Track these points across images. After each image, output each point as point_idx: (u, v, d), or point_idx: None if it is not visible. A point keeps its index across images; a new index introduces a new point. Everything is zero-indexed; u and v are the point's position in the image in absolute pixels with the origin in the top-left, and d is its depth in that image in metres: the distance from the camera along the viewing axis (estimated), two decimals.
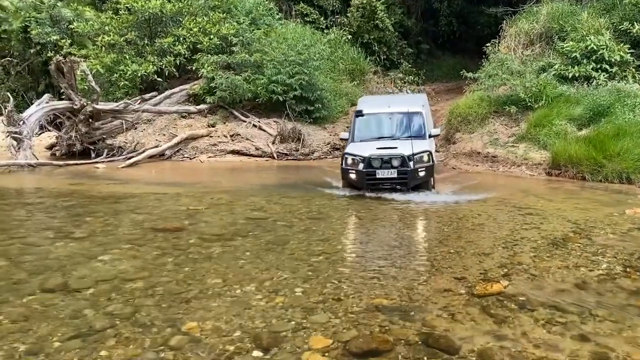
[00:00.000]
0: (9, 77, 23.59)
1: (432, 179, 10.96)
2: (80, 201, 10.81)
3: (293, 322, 5.02)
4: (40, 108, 15.96)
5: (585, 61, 15.22)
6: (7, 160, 14.63)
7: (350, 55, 21.47)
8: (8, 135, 15.10)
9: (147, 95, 18.03)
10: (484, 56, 17.23)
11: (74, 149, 16.20)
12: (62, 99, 16.79)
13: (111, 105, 16.90)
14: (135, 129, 17.28)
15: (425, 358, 4.31)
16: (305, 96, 17.14)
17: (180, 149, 16.41)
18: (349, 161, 10.95)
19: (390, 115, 12.07)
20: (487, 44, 17.54)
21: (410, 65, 23.54)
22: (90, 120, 16.42)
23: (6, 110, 15.26)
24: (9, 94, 18.58)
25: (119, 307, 5.39)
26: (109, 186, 12.50)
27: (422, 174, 10.63)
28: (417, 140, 11.14)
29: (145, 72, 17.98)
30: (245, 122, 17.23)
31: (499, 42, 17.76)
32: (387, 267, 6.73)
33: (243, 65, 17.47)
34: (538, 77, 14.99)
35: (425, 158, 10.68)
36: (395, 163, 10.55)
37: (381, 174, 10.58)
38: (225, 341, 4.63)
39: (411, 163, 10.52)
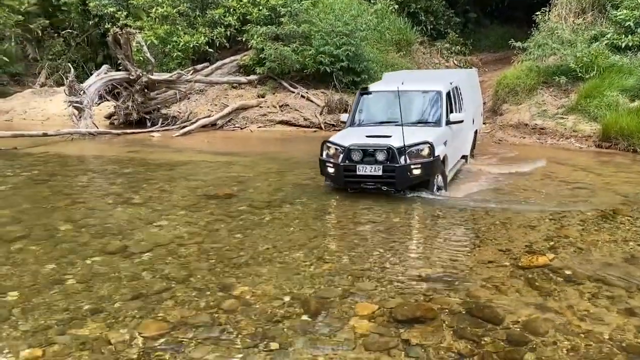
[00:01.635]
0: (70, 48, 24.10)
1: (438, 178, 8.45)
2: (138, 168, 11.08)
3: (340, 289, 5.08)
4: (99, 78, 16.30)
5: (639, 30, 14.51)
6: (70, 128, 15.07)
7: (397, 26, 21.00)
8: (70, 105, 15.51)
9: (199, 66, 18.16)
10: (533, 25, 16.59)
11: (131, 118, 16.53)
12: (119, 70, 17.09)
13: (165, 76, 17.11)
14: (188, 99, 17.48)
15: (469, 327, 4.30)
16: (352, 67, 16.94)
17: (231, 118, 16.52)
18: (331, 151, 8.49)
19: (400, 94, 8.95)
20: (537, 13, 16.85)
21: (457, 35, 22.88)
22: (146, 90, 16.70)
23: (68, 80, 15.66)
24: (69, 64, 19.04)
25: (175, 271, 5.56)
26: (164, 154, 12.76)
27: (417, 172, 8.03)
28: (424, 127, 8.83)
29: (197, 43, 18.08)
30: (294, 92, 17.18)
31: (549, 10, 17.03)
32: (431, 237, 6.71)
33: (291, 36, 17.35)
34: (589, 47, 14.36)
35: (425, 151, 8.03)
36: (380, 157, 8.07)
37: (362, 170, 8.13)
38: (275, 305, 4.73)
39: (402, 158, 7.99)
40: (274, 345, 4.07)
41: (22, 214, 7.74)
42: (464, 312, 4.56)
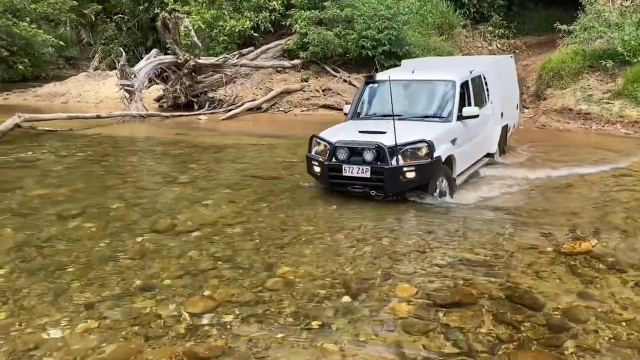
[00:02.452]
0: (121, 33, 24.61)
1: (442, 182, 7.26)
2: (186, 150, 11.25)
3: (380, 271, 5.07)
4: (148, 62, 16.54)
5: None
6: (121, 111, 15.39)
7: (439, 9, 20.53)
8: (121, 88, 15.82)
9: (244, 50, 18.24)
10: (579, 7, 16.00)
11: (179, 101, 16.71)
12: (167, 54, 17.31)
13: (212, 60, 17.23)
14: (234, 82, 17.58)
15: (509, 312, 4.24)
16: (394, 51, 16.68)
17: (275, 102, 16.54)
18: (320, 148, 7.44)
19: (408, 84, 8.21)
20: None
21: (500, 18, 22.21)
22: (193, 74, 16.86)
23: (119, 64, 15.96)
24: (121, 48, 19.40)
25: (221, 250, 5.66)
26: (211, 137, 12.92)
27: (410, 175, 6.86)
28: (430, 123, 7.63)
29: (243, 27, 18.15)
30: (336, 77, 17.08)
31: None
32: (471, 221, 6.62)
33: (334, 21, 17.21)
34: (637, 30, 13.78)
35: (423, 151, 6.87)
36: (369, 157, 6.94)
37: (349, 171, 7.01)
38: (317, 285, 4.77)
39: (393, 159, 6.84)
40: (315, 324, 4.10)
41: (78, 192, 7.99)
42: (503, 297, 4.49)
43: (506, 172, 8.79)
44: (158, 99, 17.91)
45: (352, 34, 16.67)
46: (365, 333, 3.97)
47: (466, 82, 8.15)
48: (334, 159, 7.15)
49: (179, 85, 16.62)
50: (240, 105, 16.08)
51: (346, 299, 4.52)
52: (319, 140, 7.49)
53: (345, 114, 8.53)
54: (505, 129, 9.63)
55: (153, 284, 4.86)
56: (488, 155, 8.99)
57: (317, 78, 17.26)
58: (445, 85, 8.00)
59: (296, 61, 17.79)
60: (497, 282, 4.75)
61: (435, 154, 6.91)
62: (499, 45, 20.99)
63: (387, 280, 4.87)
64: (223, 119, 15.25)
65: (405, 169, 6.85)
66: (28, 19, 22.31)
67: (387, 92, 7.68)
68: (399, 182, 6.95)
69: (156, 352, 3.77)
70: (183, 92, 16.62)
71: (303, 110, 16.15)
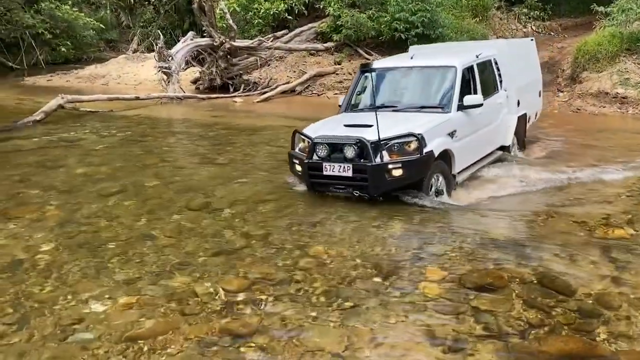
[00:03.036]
0: (159, 16, 24.80)
1: (438, 179, 6.44)
2: (222, 132, 11.32)
3: (410, 252, 5.03)
4: (185, 45, 16.65)
5: None
6: (159, 93, 15.56)
7: None
8: (159, 70, 15.98)
9: (278, 33, 18.19)
10: None
11: (215, 84, 16.81)
12: (203, 37, 17.39)
13: (246, 43, 17.26)
14: (268, 65, 17.59)
15: (540, 297, 4.15)
16: (427, 34, 16.40)
17: (309, 85, 16.50)
18: (303, 144, 6.66)
19: (406, 72, 7.46)
20: None
21: (535, 0, 21.71)
22: (229, 56, 16.91)
23: (157, 46, 16.09)
24: (159, 31, 19.54)
25: (253, 229, 5.68)
26: (246, 118, 12.98)
27: (397, 172, 6.01)
28: (426, 114, 6.76)
29: (277, 10, 18.12)
30: (369, 60, 16.89)
31: None
32: (504, 205, 6.50)
33: (367, 3, 17.01)
34: None
35: (412, 146, 6.04)
36: (349, 153, 6.13)
37: (330, 169, 6.22)
38: (349, 266, 4.75)
39: (377, 155, 6.03)
40: (347, 305, 4.09)
41: (117, 171, 8.14)
42: (535, 282, 4.41)
43: (527, 161, 8.29)
44: (194, 81, 18.05)
45: (385, 17, 16.44)
46: (395, 314, 3.95)
47: (471, 68, 7.30)
48: (314, 157, 6.37)
49: (215, 67, 16.70)
50: (274, 88, 16.10)
51: (377, 280, 4.50)
52: (302, 136, 6.68)
53: (340, 106, 7.71)
54: (523, 118, 8.62)
55: (189, 261, 4.92)
56: (502, 148, 8.06)
57: (350, 61, 17.12)
58: (445, 72, 7.12)
59: (329, 44, 17.67)
60: (529, 266, 4.67)
61: (427, 149, 6.08)
62: (534, 28, 20.45)
63: (417, 261, 4.83)
64: (258, 102, 15.29)
65: (390, 166, 6.02)
66: (70, 2, 22.66)
67: (385, 82, 7.38)
68: (384, 181, 6.12)
69: (193, 328, 3.83)
70: (219, 74, 16.70)
71: (336, 93, 15.99)
